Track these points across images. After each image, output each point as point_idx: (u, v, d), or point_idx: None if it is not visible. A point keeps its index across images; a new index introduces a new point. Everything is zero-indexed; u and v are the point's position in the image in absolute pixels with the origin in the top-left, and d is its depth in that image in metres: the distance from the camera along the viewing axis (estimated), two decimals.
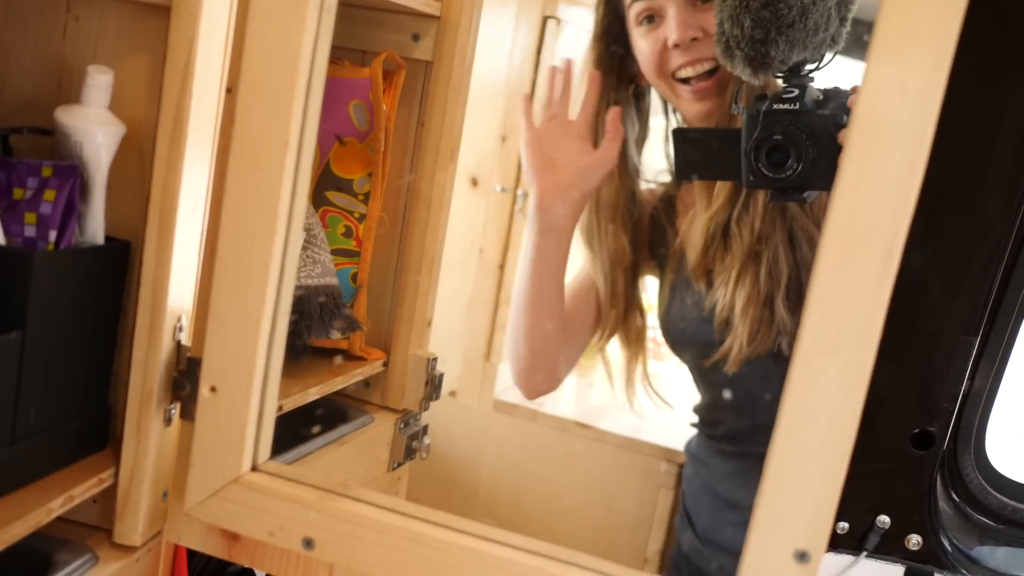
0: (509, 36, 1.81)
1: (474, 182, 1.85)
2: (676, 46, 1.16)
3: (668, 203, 1.35)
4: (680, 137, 1.16)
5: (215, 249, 0.71)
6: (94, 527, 0.81)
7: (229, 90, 0.70)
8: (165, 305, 0.75)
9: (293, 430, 1.10)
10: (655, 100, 1.35)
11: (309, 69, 0.66)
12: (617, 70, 1.27)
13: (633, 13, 1.22)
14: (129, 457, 0.76)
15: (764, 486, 0.59)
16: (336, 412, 1.15)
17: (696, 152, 1.14)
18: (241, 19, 0.67)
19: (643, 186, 1.35)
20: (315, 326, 1.05)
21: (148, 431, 0.75)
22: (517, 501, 1.87)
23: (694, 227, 1.26)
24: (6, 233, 0.70)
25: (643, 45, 1.21)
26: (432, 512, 0.72)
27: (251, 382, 0.72)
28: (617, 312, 1.34)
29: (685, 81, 1.18)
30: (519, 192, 1.82)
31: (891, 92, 0.52)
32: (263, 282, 0.70)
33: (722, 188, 1.22)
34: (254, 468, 0.75)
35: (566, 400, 1.98)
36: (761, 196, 1.18)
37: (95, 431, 0.78)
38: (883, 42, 0.53)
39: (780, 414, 0.56)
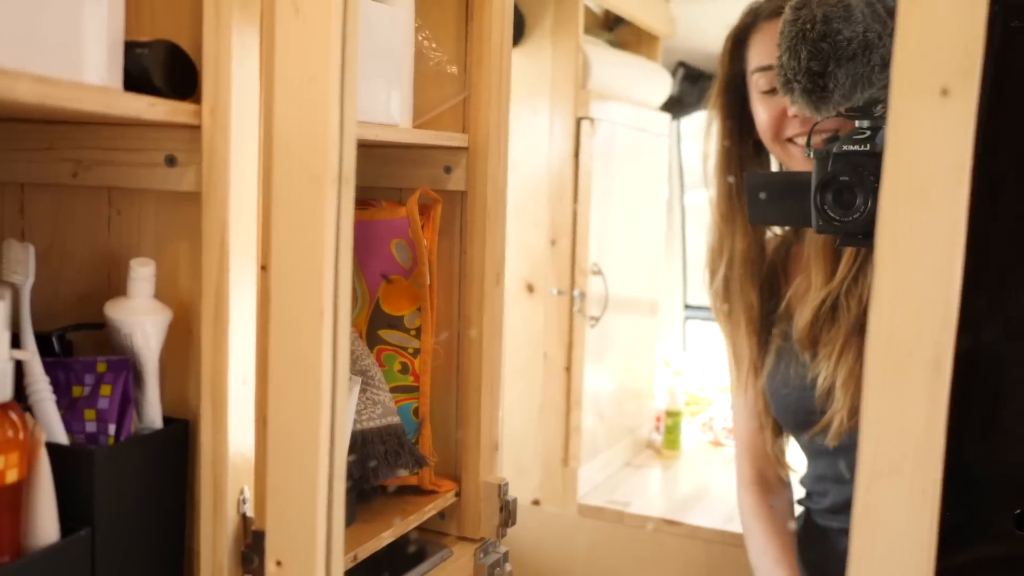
0: (546, 141, 1.84)
1: (530, 288, 1.85)
2: (795, 116, 1.20)
3: (786, 253, 1.35)
4: (751, 181, 1.14)
5: (265, 421, 0.72)
6: None
7: (263, 267, 0.72)
8: (226, 479, 0.75)
9: (373, 574, 1.09)
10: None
11: (335, 239, 0.67)
12: (739, 120, 1.30)
13: (754, 80, 1.26)
14: None
15: None
16: (414, 550, 1.14)
17: (768, 196, 1.12)
18: (266, 202, 0.69)
19: (768, 235, 1.36)
20: (381, 468, 1.05)
21: None
22: None
23: (807, 298, 1.25)
24: (68, 431, 0.72)
25: (761, 111, 1.26)
26: None
27: (314, 554, 0.72)
28: (741, 374, 1.34)
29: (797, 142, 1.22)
30: (575, 293, 1.81)
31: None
32: (315, 452, 0.70)
33: (840, 261, 1.21)
34: None
35: (653, 497, 1.93)
36: (870, 269, 1.16)
37: None
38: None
39: (851, 543, 0.54)
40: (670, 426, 2.17)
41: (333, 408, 0.71)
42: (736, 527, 1.72)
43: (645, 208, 2.16)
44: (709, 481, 2.03)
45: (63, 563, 0.67)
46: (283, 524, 0.73)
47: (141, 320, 0.73)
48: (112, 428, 0.72)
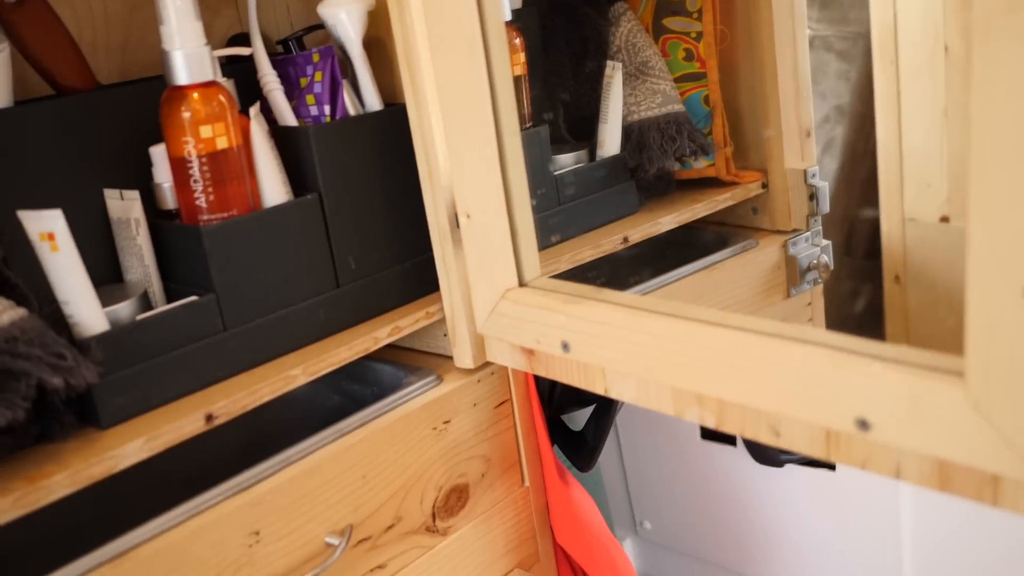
0: None
1: None
2: None
3: None
4: None
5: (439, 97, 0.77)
6: (448, 357, 0.93)
7: None
8: (435, 152, 0.83)
9: (662, 259, 1.11)
10: None
11: None
12: None
13: None
14: (445, 289, 0.86)
15: None
16: (715, 241, 1.13)
17: None
18: None
19: None
20: (656, 156, 1.04)
21: (449, 264, 0.84)
22: None
23: None
24: (298, 117, 0.84)
25: None
26: (665, 304, 0.70)
27: (496, 205, 0.77)
28: None
29: None
30: None
31: None
32: (481, 108, 0.74)
33: None
34: (521, 284, 0.80)
35: None
36: None
37: (423, 274, 0.90)
38: None
39: None
40: None
41: (489, 60, 0.73)
42: None
43: None
44: None
45: (295, 218, 0.81)
46: (465, 180, 0.79)
47: (338, 11, 0.82)
48: (327, 109, 0.82)
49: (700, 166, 1.11)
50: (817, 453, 0.60)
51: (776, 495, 1.22)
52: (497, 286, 0.80)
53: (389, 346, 0.91)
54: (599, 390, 0.75)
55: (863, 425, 0.56)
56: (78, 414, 0.71)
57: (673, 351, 0.67)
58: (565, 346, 0.74)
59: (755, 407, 0.62)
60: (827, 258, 1.13)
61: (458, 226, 0.82)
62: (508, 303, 0.79)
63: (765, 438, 0.64)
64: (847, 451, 0.58)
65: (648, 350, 0.68)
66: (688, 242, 1.13)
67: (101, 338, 0.69)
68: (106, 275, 0.81)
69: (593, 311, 0.72)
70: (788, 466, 1.20)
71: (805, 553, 1.23)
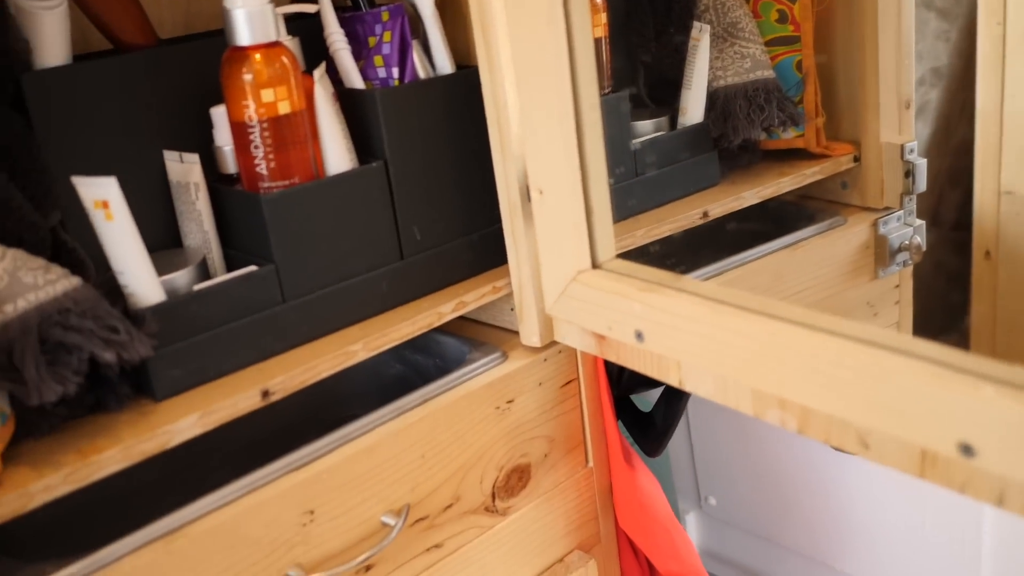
0: None
1: None
2: None
3: None
4: None
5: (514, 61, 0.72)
6: (514, 331, 0.90)
7: None
8: (508, 120, 0.78)
9: (742, 235, 1.05)
10: None
11: None
12: None
13: None
14: (514, 265, 0.82)
15: None
16: (801, 216, 1.07)
17: None
18: None
19: None
20: (742, 126, 0.98)
21: (519, 240, 0.80)
22: None
23: None
24: (365, 79, 0.80)
25: None
26: (750, 299, 0.65)
27: (569, 182, 0.72)
28: None
29: None
30: None
31: None
32: (559, 75, 0.69)
33: None
34: (595, 266, 0.76)
35: None
36: None
37: (491, 246, 0.86)
38: None
39: None
40: None
41: (568, 20, 0.68)
42: None
43: None
44: None
45: (360, 186, 0.77)
46: (540, 154, 0.74)
47: None
48: (395, 71, 0.78)
49: (788, 137, 1.05)
50: (910, 472, 0.56)
51: (852, 481, 1.17)
52: (568, 267, 0.76)
53: (457, 317, 0.87)
54: (673, 382, 0.71)
55: (966, 450, 0.51)
56: (133, 385, 0.69)
57: (757, 352, 0.62)
58: (639, 335, 0.70)
59: (843, 418, 0.57)
60: (920, 239, 1.06)
61: (529, 200, 0.78)
62: (580, 286, 0.75)
63: (852, 449, 0.59)
64: (944, 474, 0.53)
65: (729, 348, 0.64)
66: (770, 217, 1.07)
67: (156, 309, 0.67)
68: (165, 239, 0.79)
69: (671, 302, 0.68)
70: None
71: (878, 542, 1.18)
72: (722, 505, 1.35)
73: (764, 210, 1.05)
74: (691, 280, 0.69)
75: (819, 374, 0.58)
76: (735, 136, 0.98)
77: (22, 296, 0.60)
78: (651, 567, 0.99)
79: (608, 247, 0.76)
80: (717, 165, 1.01)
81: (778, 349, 0.60)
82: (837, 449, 1.15)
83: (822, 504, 1.21)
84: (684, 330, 0.67)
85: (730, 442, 1.29)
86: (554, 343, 0.85)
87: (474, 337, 0.90)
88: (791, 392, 0.60)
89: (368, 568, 0.76)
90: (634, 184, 0.94)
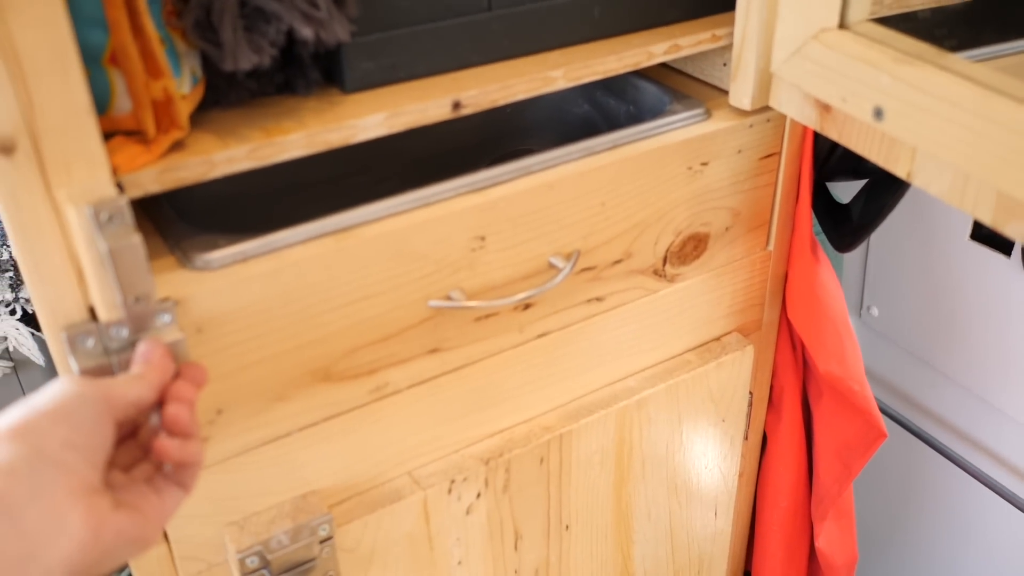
0: None
1: None
2: None
3: None
4: None
5: None
6: (722, 90, 0.81)
7: None
8: None
9: None
10: None
11: None
12: None
13: None
14: (742, 11, 0.73)
15: None
16: None
17: None
18: None
19: None
20: None
21: None
22: None
23: None
24: None
25: None
26: None
27: None
28: None
29: None
30: None
31: None
32: None
33: None
34: (842, 26, 0.66)
35: None
36: None
37: None
38: None
39: None
40: None
41: None
42: None
43: None
44: None
45: None
46: None
47: None
48: None
49: None
50: None
51: None
52: (811, 22, 0.66)
53: (658, 63, 0.79)
54: (900, 172, 0.62)
55: None
56: (324, 72, 0.66)
57: (1020, 151, 0.53)
58: (878, 112, 0.61)
59: None
60: None
61: None
62: (820, 46, 0.65)
63: None
64: None
65: (985, 142, 0.54)
66: None
67: None
68: None
69: (930, 79, 0.58)
70: None
71: None
72: (883, 317, 1.27)
73: None
74: (960, 59, 0.59)
75: None
76: None
77: None
78: (807, 365, 0.95)
79: (863, 5, 0.65)
80: None
81: None
82: None
83: (990, 339, 1.13)
84: (936, 114, 0.57)
85: (910, 254, 1.19)
86: (765, 109, 0.77)
87: (677, 88, 0.82)
88: None
89: (527, 307, 0.74)
90: None
